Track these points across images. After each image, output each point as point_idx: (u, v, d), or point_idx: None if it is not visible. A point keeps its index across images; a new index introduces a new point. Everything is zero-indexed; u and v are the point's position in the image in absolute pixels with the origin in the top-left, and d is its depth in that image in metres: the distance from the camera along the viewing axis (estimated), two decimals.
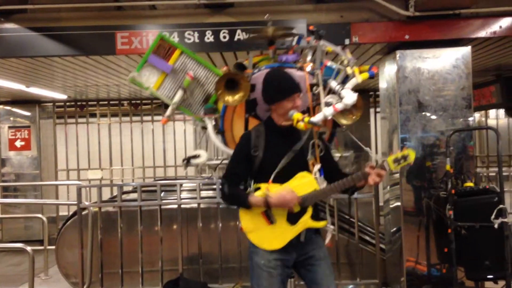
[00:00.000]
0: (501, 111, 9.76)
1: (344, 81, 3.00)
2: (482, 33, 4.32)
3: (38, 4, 4.40)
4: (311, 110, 2.86)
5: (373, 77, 3.07)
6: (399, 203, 4.46)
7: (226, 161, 3.39)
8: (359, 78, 2.94)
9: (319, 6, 4.44)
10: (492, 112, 10.20)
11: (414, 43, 4.34)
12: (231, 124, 3.23)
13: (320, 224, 2.67)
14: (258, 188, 2.63)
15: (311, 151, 2.65)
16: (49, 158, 8.63)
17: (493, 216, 3.67)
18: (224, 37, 4.33)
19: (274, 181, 2.60)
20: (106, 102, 8.80)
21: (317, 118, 2.71)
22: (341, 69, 3.04)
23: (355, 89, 2.99)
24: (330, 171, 2.72)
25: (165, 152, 8.90)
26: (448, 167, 4.01)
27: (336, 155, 3.37)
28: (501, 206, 3.70)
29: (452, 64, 4.31)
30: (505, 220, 3.70)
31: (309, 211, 2.61)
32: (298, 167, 2.63)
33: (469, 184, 4.07)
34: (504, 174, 4.00)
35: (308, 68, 3.09)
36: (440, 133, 4.32)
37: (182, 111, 3.39)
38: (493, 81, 7.20)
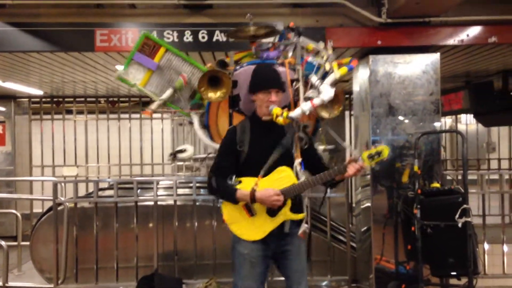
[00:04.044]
0: (471, 116, 10.08)
1: (324, 76, 3.03)
2: (450, 41, 4.49)
3: (17, 0, 4.40)
4: (291, 105, 2.92)
5: (352, 70, 3.08)
6: (369, 204, 4.61)
7: (211, 155, 3.46)
8: (337, 74, 2.97)
9: (295, 10, 4.56)
10: (463, 117, 10.51)
11: (386, 49, 4.48)
12: (216, 119, 3.30)
13: (299, 216, 2.73)
14: (240, 182, 2.71)
15: (295, 144, 2.74)
16: (24, 154, 8.53)
17: (457, 216, 3.85)
18: (203, 37, 4.40)
19: (258, 175, 2.68)
20: (83, 99, 8.69)
21: (295, 113, 2.75)
22: (321, 65, 3.09)
23: (335, 83, 3.02)
24: (314, 164, 2.81)
25: (142, 150, 8.89)
26: (416, 168, 4.18)
27: (320, 147, 3.48)
28: (465, 206, 3.87)
29: (422, 70, 4.46)
30: (469, 219, 3.86)
31: (288, 203, 2.69)
32: (283, 161, 2.72)
33: (436, 185, 4.25)
34: (473, 178, 4.15)
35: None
36: (409, 135, 4.46)
37: (169, 106, 3.47)
38: (462, 87, 7.45)
